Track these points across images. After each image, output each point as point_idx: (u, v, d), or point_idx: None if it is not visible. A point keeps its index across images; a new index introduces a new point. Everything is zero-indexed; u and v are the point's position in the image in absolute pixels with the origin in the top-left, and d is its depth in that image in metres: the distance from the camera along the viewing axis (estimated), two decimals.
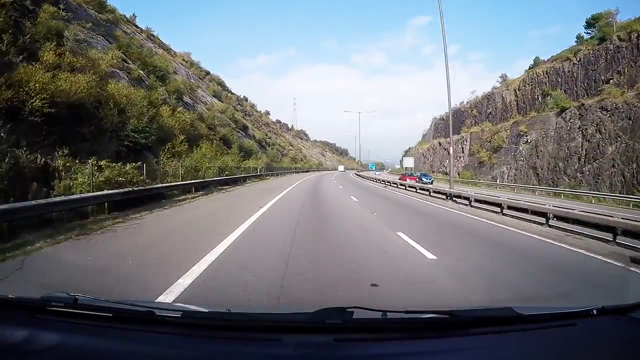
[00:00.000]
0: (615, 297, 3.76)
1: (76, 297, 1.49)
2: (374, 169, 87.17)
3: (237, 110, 66.30)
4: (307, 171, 70.57)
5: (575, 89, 37.23)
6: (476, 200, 13.51)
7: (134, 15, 49.11)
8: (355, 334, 1.39)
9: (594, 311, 1.52)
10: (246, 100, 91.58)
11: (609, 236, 7.38)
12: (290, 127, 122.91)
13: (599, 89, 33.31)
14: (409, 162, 69.69)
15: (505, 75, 58.04)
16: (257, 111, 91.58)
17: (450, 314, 1.51)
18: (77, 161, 10.82)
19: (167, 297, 3.65)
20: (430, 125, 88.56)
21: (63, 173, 10.34)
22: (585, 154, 30.11)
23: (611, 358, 1.35)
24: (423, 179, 36.20)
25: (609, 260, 5.92)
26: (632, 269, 5.35)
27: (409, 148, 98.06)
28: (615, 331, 1.48)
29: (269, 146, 63.60)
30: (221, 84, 72.48)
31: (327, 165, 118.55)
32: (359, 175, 51.47)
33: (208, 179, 20.01)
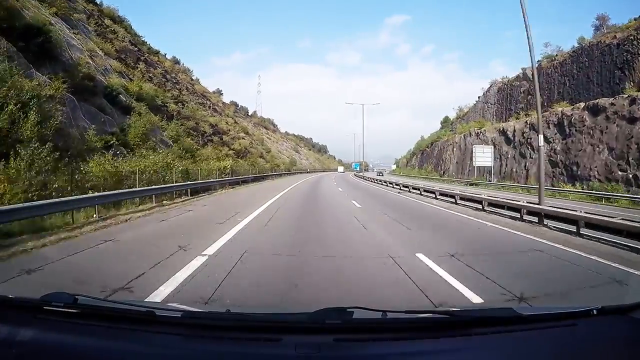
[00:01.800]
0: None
1: (76, 297, 1.46)
2: (357, 169, 74.06)
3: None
4: (261, 176, 32.02)
5: None
6: None
7: None
8: (355, 334, 1.36)
9: (594, 311, 1.48)
10: (178, 63, 55.48)
11: None
12: (251, 113, 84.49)
13: None
14: (485, 157, 33.77)
15: None
16: (187, 74, 53.72)
17: (450, 314, 1.52)
18: None
19: None
20: (481, 97, 53.50)
21: None
22: None
23: (612, 358, 1.33)
24: None
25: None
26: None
27: (432, 142, 62.07)
28: (616, 331, 1.46)
29: (169, 119, 24.96)
30: None
31: (303, 164, 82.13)
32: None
33: None
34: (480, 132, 41.32)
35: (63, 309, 1.41)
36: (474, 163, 33.89)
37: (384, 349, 1.30)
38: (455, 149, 47.38)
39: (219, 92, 71.93)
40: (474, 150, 34.11)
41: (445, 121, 69.75)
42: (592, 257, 5.66)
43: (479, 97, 54.07)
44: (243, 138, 46.83)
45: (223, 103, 64.39)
